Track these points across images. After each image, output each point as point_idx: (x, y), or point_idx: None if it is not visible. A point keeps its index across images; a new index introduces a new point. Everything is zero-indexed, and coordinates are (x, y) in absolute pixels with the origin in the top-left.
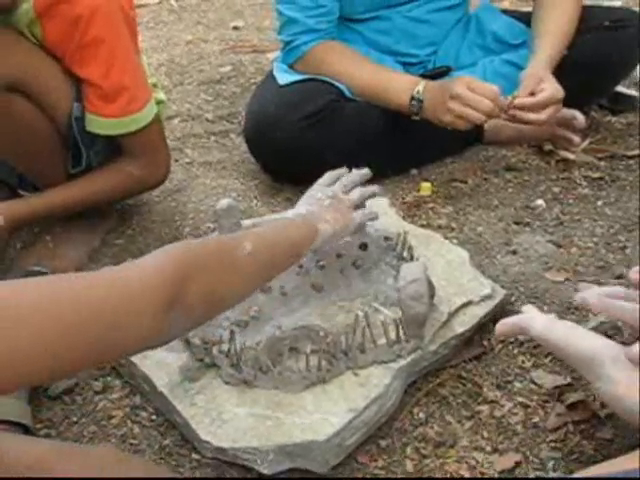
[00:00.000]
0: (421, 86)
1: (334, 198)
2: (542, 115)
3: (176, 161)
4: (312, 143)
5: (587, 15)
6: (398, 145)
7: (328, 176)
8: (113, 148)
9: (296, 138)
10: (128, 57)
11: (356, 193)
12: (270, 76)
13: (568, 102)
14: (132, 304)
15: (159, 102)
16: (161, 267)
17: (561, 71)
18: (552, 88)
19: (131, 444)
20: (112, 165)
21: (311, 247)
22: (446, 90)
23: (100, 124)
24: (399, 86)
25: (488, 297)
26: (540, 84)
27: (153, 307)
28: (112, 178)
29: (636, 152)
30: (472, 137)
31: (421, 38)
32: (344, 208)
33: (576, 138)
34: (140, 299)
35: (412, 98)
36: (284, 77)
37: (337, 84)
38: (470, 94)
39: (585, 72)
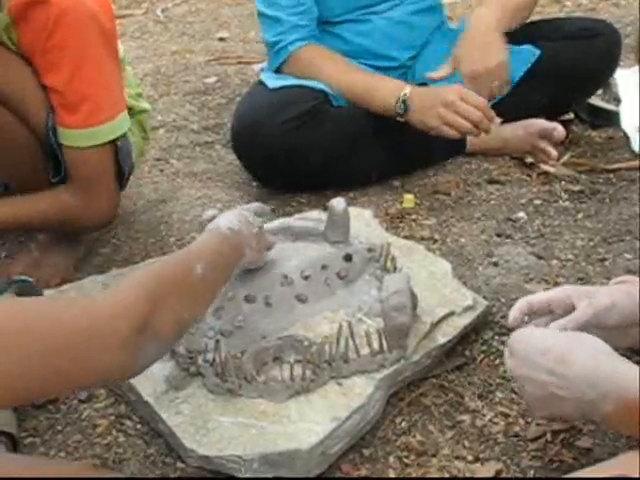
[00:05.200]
0: (408, 89)
1: (260, 229)
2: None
3: (161, 171)
4: (297, 145)
5: (560, 24)
6: (382, 150)
7: (257, 206)
8: None
9: (281, 139)
10: (96, 67)
11: (272, 239)
12: (258, 83)
13: (544, 111)
14: (100, 331)
15: (143, 111)
16: (129, 294)
17: (536, 79)
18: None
19: (116, 453)
20: (50, 191)
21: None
22: (437, 96)
23: (63, 135)
24: (386, 88)
25: (470, 308)
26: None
27: (121, 333)
28: (43, 202)
29: (616, 166)
30: (456, 146)
31: (401, 40)
32: (262, 244)
33: (554, 152)
34: (108, 326)
35: (398, 100)
36: (274, 82)
37: (325, 89)
38: (462, 103)
39: (560, 81)
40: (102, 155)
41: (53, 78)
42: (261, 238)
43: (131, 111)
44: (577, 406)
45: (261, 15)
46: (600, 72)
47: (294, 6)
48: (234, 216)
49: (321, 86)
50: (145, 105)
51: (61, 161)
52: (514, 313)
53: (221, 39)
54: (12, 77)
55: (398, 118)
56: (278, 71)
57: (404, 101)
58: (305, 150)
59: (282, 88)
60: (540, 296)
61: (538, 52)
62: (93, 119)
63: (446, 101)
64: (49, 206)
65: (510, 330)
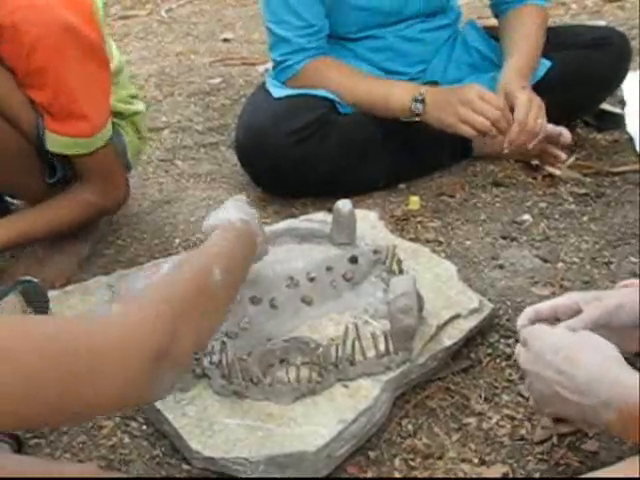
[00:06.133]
0: (424, 89)
1: (258, 219)
2: (529, 134)
3: (166, 172)
4: (303, 156)
5: (572, 33)
6: (389, 158)
7: (241, 197)
8: None
9: (287, 151)
10: (78, 82)
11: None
12: (262, 89)
13: (553, 118)
14: (115, 358)
15: (138, 113)
16: (146, 320)
17: (546, 87)
18: (523, 104)
19: (121, 454)
20: (67, 194)
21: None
22: (456, 94)
23: (55, 142)
24: (401, 90)
25: (476, 311)
26: (512, 99)
27: (137, 360)
28: (69, 207)
29: (621, 169)
30: (462, 151)
31: (413, 56)
32: (263, 233)
33: (562, 154)
34: (123, 352)
35: (415, 100)
36: (279, 91)
37: (331, 97)
38: (481, 102)
39: (569, 89)
40: (107, 152)
41: (37, 94)
42: (261, 228)
43: (122, 115)
44: (579, 410)
45: (269, 31)
46: (610, 81)
47: (305, 27)
48: (235, 208)
49: (327, 94)
50: (139, 107)
51: (54, 162)
52: (522, 322)
53: (225, 40)
54: None
55: (415, 118)
56: (284, 84)
57: (421, 100)
58: (312, 160)
59: (287, 97)
60: (547, 304)
61: (549, 63)
62: (83, 131)
63: (465, 99)
64: (72, 209)
65: (516, 333)
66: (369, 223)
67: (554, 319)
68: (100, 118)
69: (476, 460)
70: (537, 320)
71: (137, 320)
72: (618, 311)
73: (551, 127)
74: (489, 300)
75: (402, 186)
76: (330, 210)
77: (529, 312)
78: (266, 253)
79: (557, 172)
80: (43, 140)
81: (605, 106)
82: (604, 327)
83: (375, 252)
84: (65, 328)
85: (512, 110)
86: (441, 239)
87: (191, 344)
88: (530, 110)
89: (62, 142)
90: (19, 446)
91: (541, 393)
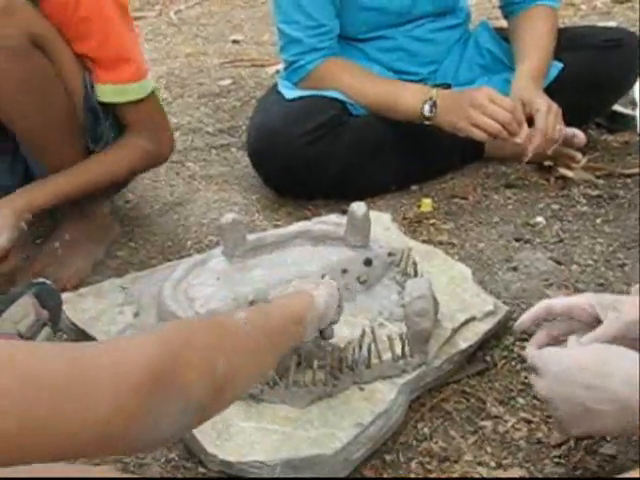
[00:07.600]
0: (434, 92)
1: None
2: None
3: (177, 174)
4: (315, 157)
5: (583, 34)
6: (400, 160)
7: None
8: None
9: (298, 152)
10: (121, 31)
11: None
12: (274, 90)
13: (565, 121)
14: (98, 380)
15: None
16: (146, 342)
17: (557, 89)
18: (543, 115)
19: (137, 457)
20: (122, 142)
21: (313, 314)
22: (466, 97)
23: (106, 91)
24: (411, 93)
25: (491, 313)
26: (531, 109)
27: (127, 383)
28: (126, 153)
29: (634, 170)
30: (474, 153)
31: (423, 56)
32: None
33: (578, 155)
34: (109, 372)
35: (425, 102)
36: (291, 92)
37: (342, 99)
38: (491, 105)
39: (581, 91)
40: (153, 101)
41: (86, 47)
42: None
43: None
44: (617, 417)
45: (280, 32)
46: (622, 82)
47: (316, 27)
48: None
49: (339, 95)
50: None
51: (101, 123)
52: (528, 317)
53: (235, 41)
54: (52, 32)
55: (425, 122)
56: (295, 85)
57: (432, 104)
58: (323, 162)
59: (299, 99)
60: (562, 301)
61: (560, 65)
62: (134, 75)
63: (475, 102)
64: (131, 157)
65: (529, 335)
66: (382, 225)
67: (567, 318)
68: (143, 63)
69: (493, 463)
70: (549, 316)
71: (136, 342)
72: (634, 327)
73: (564, 129)
74: (503, 303)
75: (414, 188)
76: (344, 212)
77: (540, 309)
78: (324, 307)
79: (570, 174)
80: (91, 96)
81: (617, 107)
82: (618, 341)
83: (390, 254)
84: (53, 355)
85: (530, 117)
86: (454, 241)
87: (204, 378)
88: (549, 119)
89: (112, 90)
90: None
91: (571, 414)
